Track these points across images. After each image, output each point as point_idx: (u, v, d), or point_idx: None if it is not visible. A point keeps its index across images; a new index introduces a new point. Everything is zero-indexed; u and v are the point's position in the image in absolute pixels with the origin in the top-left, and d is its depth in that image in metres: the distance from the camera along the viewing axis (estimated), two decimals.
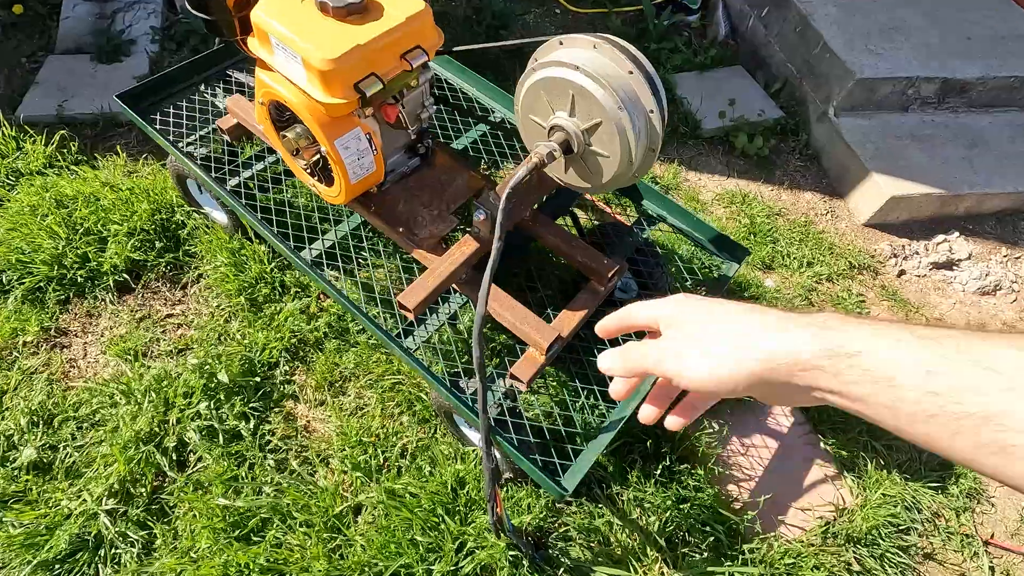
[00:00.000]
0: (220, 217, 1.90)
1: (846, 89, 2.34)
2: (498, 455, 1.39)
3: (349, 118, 1.20)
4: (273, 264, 1.85)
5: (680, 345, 0.44)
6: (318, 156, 1.31)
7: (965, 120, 2.50)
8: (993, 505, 1.73)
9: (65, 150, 2.07)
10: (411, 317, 1.28)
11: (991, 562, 1.61)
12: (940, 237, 2.29)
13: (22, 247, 1.76)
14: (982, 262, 2.26)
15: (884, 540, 1.55)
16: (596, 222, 1.84)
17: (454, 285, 1.37)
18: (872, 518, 1.55)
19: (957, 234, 2.30)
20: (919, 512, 1.63)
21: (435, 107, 1.42)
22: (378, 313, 1.75)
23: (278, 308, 1.79)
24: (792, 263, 2.14)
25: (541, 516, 1.45)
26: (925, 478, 1.69)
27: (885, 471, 1.68)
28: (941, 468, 1.74)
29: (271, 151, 1.73)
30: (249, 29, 1.21)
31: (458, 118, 1.85)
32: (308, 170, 1.36)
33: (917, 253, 2.25)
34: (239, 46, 1.29)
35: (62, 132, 2.07)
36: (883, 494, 1.62)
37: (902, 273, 2.21)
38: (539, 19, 3.00)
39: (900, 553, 1.55)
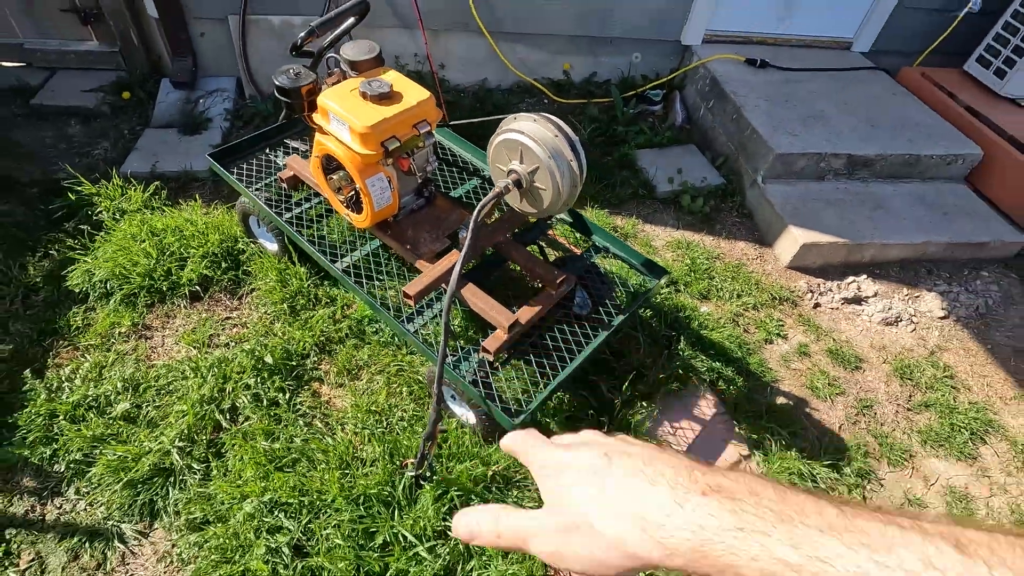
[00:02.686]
0: (271, 246, 2.47)
1: (768, 162, 2.93)
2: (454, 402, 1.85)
3: (377, 165, 1.79)
4: (309, 281, 2.39)
5: (562, 518, 0.41)
6: (353, 192, 1.89)
7: (873, 188, 3.07)
8: (883, 485, 2.10)
9: (157, 196, 2.69)
10: (412, 304, 1.79)
11: None
12: (851, 278, 2.79)
13: (124, 264, 2.33)
14: (886, 299, 2.73)
15: None
16: (559, 253, 2.38)
17: (443, 285, 1.89)
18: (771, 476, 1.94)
19: (865, 276, 2.80)
20: (814, 483, 2.02)
21: (436, 163, 2.01)
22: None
23: (311, 314, 2.31)
24: (724, 295, 2.64)
25: (505, 467, 1.88)
26: (822, 459, 2.09)
27: (787, 451, 2.08)
28: (836, 452, 2.14)
29: (315, 195, 2.32)
30: (313, 108, 1.83)
31: (455, 174, 2.45)
32: (344, 203, 1.93)
33: (831, 291, 2.74)
34: (304, 119, 1.91)
35: (155, 183, 2.71)
36: (783, 466, 2.02)
37: (817, 306, 2.68)
38: (531, 107, 3.71)
39: None
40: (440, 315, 1.97)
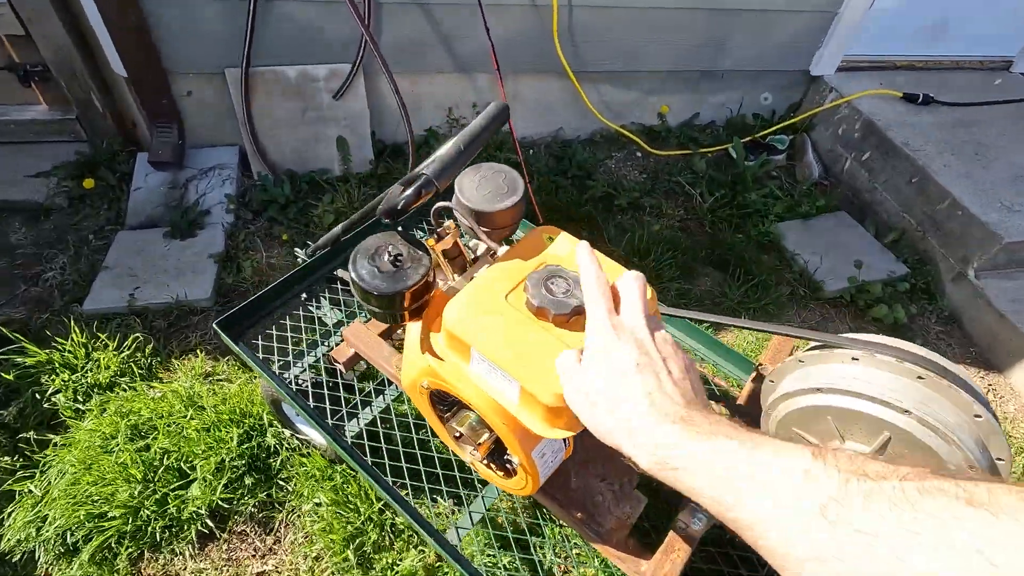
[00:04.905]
0: (319, 439, 1.64)
1: (990, 253, 2.13)
2: None
3: None
4: (382, 502, 1.56)
5: (591, 389, 0.61)
6: (492, 448, 1.06)
7: None
8: None
9: (140, 352, 1.84)
10: None
11: None
12: None
13: (93, 495, 1.49)
14: None
15: None
16: None
17: None
18: None
19: None
20: None
21: None
22: None
23: (390, 561, 1.49)
24: None
25: None
26: None
27: None
28: None
29: (388, 383, 1.49)
30: (417, 314, 0.99)
31: None
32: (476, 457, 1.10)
33: None
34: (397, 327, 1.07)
35: (136, 335, 1.86)
36: None
37: None
38: (620, 164, 2.88)
39: None
40: None
